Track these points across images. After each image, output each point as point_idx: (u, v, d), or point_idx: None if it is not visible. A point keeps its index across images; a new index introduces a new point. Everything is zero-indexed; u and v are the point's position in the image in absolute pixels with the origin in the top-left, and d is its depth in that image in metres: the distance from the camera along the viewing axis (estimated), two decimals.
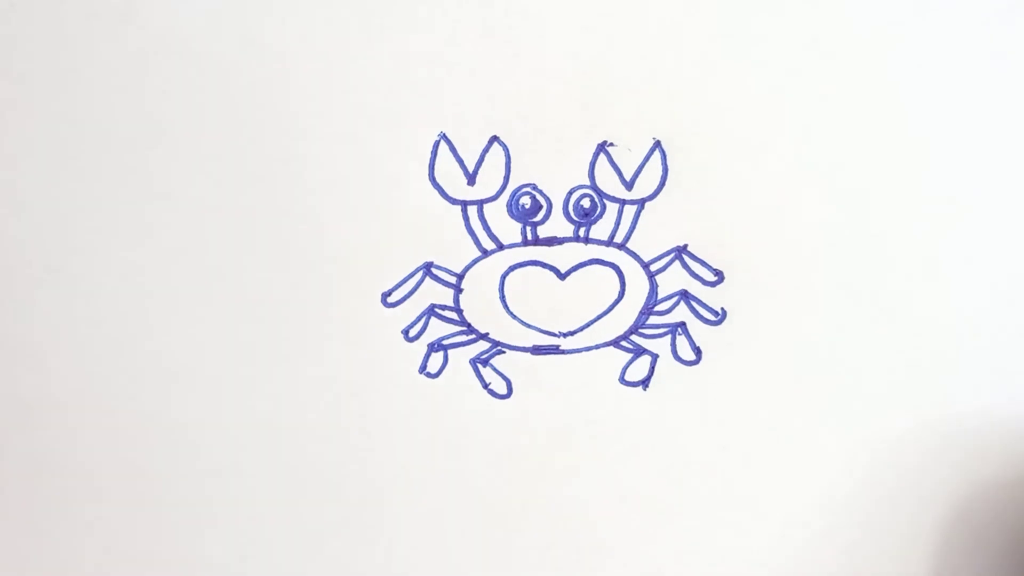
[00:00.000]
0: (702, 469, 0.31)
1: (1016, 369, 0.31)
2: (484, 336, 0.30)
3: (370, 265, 0.29)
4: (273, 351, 0.29)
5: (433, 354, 0.30)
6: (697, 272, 0.29)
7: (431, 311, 0.29)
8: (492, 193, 0.28)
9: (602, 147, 0.28)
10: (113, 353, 0.29)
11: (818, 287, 0.30)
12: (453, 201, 0.28)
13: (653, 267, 0.29)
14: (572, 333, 0.30)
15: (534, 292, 0.29)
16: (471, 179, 0.28)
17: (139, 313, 0.29)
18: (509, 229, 0.29)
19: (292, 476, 0.31)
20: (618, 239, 0.29)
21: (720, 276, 0.29)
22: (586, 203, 0.29)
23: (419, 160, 0.28)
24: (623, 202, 0.29)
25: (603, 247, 0.29)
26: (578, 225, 0.29)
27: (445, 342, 0.30)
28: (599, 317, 0.30)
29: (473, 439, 0.30)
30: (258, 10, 0.27)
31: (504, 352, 0.30)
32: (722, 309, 0.30)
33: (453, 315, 0.30)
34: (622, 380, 0.30)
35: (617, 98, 0.28)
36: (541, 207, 0.29)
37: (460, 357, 0.30)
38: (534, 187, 0.28)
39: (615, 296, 0.30)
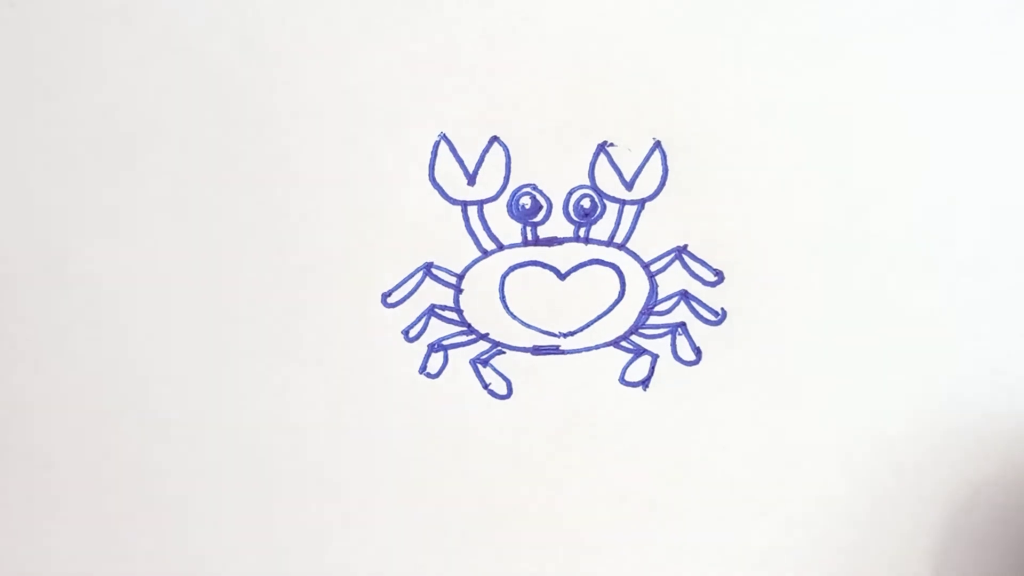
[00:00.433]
0: (702, 469, 0.31)
1: (1016, 369, 0.31)
2: (484, 336, 0.30)
3: (370, 265, 0.29)
4: (273, 351, 0.29)
5: (433, 354, 0.30)
6: (697, 272, 0.29)
7: (431, 311, 0.29)
8: (492, 193, 0.28)
9: (602, 147, 0.28)
10: (112, 353, 0.29)
11: (818, 287, 0.30)
12: (453, 201, 0.28)
13: (653, 267, 0.29)
14: (572, 333, 0.30)
15: (534, 292, 0.29)
16: (471, 179, 0.28)
17: (138, 314, 0.29)
18: (509, 229, 0.29)
19: (292, 476, 0.31)
20: (618, 239, 0.29)
21: (720, 276, 0.29)
22: (586, 203, 0.29)
23: (419, 160, 0.28)
24: (623, 202, 0.29)
25: (603, 247, 0.29)
26: (578, 225, 0.29)
27: (445, 342, 0.30)
28: (599, 317, 0.30)
29: (473, 439, 0.30)
30: (258, 10, 0.27)
31: (504, 352, 0.30)
32: (722, 309, 0.30)
33: (453, 315, 0.30)
34: (622, 380, 0.30)
35: (617, 98, 0.28)
36: (541, 207, 0.29)
37: (460, 357, 0.30)
38: (534, 187, 0.28)
39: (615, 296, 0.30)
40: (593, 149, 0.28)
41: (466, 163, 0.28)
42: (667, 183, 0.29)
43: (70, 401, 0.30)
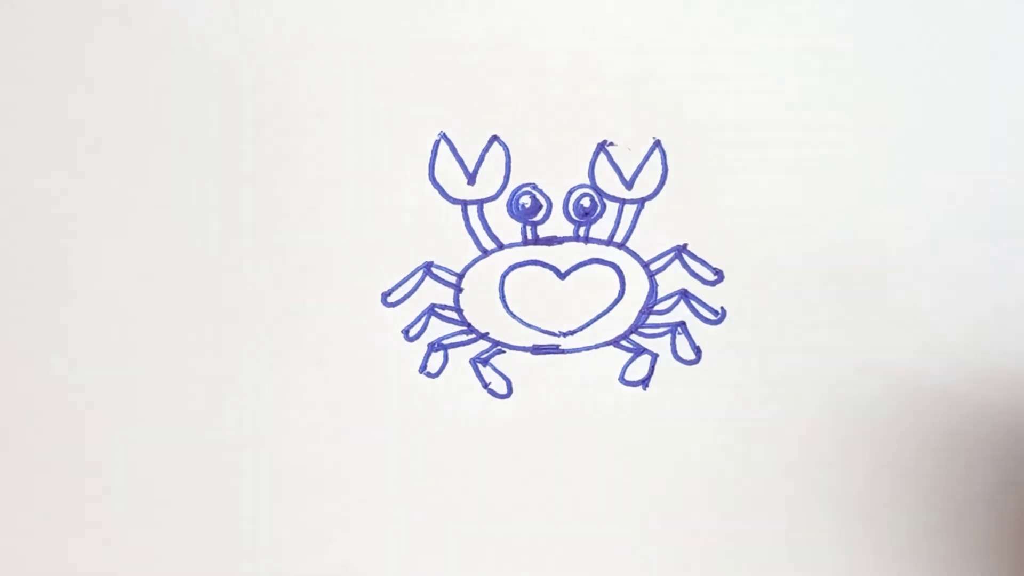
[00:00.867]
0: (702, 468, 0.31)
1: (1017, 369, 0.31)
2: (484, 336, 0.30)
3: (370, 265, 0.29)
4: (273, 351, 0.29)
5: (433, 354, 0.30)
6: (697, 271, 0.29)
7: (431, 311, 0.29)
8: (492, 193, 0.28)
9: (602, 147, 0.28)
10: (111, 353, 0.29)
11: (818, 286, 0.30)
12: (453, 201, 0.28)
13: (653, 266, 0.29)
14: (572, 333, 0.30)
15: (534, 292, 0.29)
16: (471, 179, 0.28)
17: (136, 313, 0.29)
18: (509, 229, 0.29)
19: (291, 475, 0.31)
20: (618, 238, 0.29)
21: (720, 275, 0.29)
22: (586, 202, 0.29)
23: (419, 160, 0.28)
24: (623, 201, 0.29)
25: (603, 246, 0.29)
26: (578, 224, 0.29)
27: (445, 342, 0.30)
28: (599, 317, 0.30)
29: (473, 439, 0.30)
30: (257, 9, 0.27)
31: (504, 352, 0.30)
32: (722, 308, 0.30)
33: (453, 315, 0.30)
34: (622, 380, 0.30)
35: (617, 98, 0.28)
36: (541, 207, 0.29)
37: (460, 357, 0.30)
38: (534, 187, 0.28)
39: (615, 295, 0.30)
40: (593, 148, 0.28)
41: (466, 162, 0.28)
42: (667, 182, 0.29)
43: (69, 401, 0.30)
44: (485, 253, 0.29)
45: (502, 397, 0.30)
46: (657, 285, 0.30)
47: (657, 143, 0.28)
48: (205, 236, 0.28)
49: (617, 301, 0.30)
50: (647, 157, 0.28)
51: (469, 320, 0.30)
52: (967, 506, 0.32)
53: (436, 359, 0.30)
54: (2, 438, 0.30)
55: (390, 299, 0.29)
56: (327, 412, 0.30)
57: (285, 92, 0.27)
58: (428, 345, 0.30)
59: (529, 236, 0.29)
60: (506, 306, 0.29)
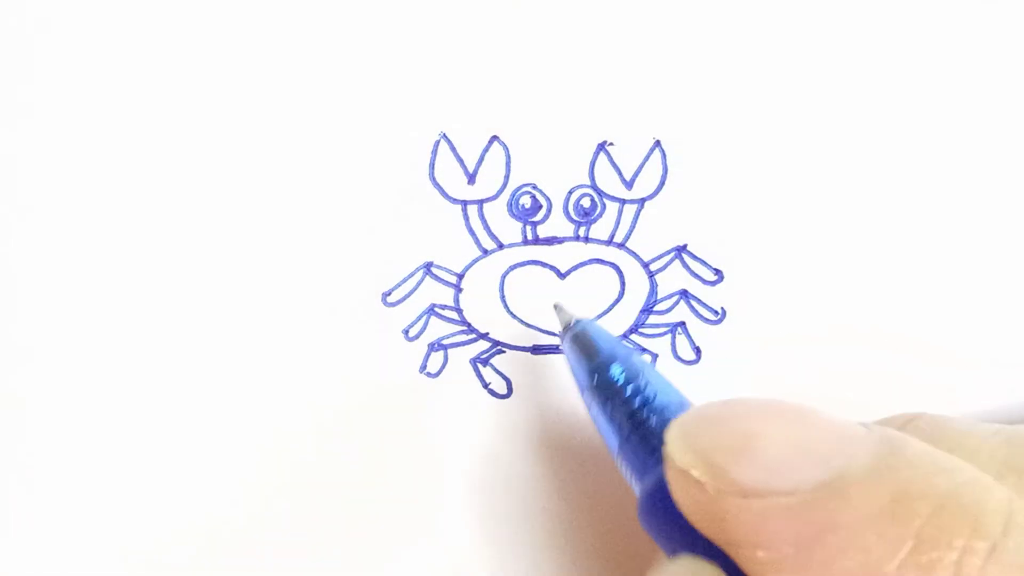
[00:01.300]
0: None
1: (1018, 370, 0.31)
2: (484, 336, 0.30)
3: (370, 265, 0.29)
4: (273, 350, 0.29)
5: (433, 354, 0.30)
6: (697, 271, 0.29)
7: (431, 311, 0.29)
8: (492, 193, 0.28)
9: (602, 147, 0.28)
10: (110, 353, 0.29)
11: (818, 286, 0.30)
12: (453, 201, 0.28)
13: (653, 266, 0.29)
14: None
15: (534, 291, 0.29)
16: (471, 179, 0.28)
17: (133, 313, 0.29)
18: (509, 228, 0.29)
19: (291, 475, 0.31)
20: (618, 238, 0.29)
21: (720, 275, 0.29)
22: (586, 202, 0.29)
23: (419, 159, 0.28)
24: (623, 201, 0.29)
25: (603, 246, 0.29)
26: (578, 224, 0.29)
27: (445, 342, 0.30)
28: (599, 316, 0.30)
29: (473, 438, 0.30)
30: (257, 8, 0.27)
31: (504, 352, 0.30)
32: (722, 308, 0.30)
33: (453, 315, 0.30)
34: None
35: (617, 98, 0.28)
36: (541, 206, 0.29)
37: (460, 357, 0.30)
38: (534, 186, 0.28)
39: (615, 296, 0.30)
40: (593, 148, 0.28)
41: (466, 162, 0.28)
42: (667, 182, 0.29)
43: (70, 400, 0.30)
44: (485, 253, 0.29)
45: (502, 397, 0.30)
46: (657, 285, 0.30)
47: (657, 143, 0.28)
48: (203, 235, 0.28)
49: (617, 301, 0.30)
50: (647, 157, 0.28)
51: (469, 320, 0.30)
52: None
53: (436, 359, 0.30)
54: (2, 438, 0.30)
55: (390, 299, 0.29)
56: (326, 411, 0.30)
57: (284, 91, 0.27)
58: (428, 345, 0.30)
59: (529, 236, 0.29)
60: (506, 306, 0.29)
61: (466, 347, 0.30)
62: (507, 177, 0.28)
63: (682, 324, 0.30)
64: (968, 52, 0.28)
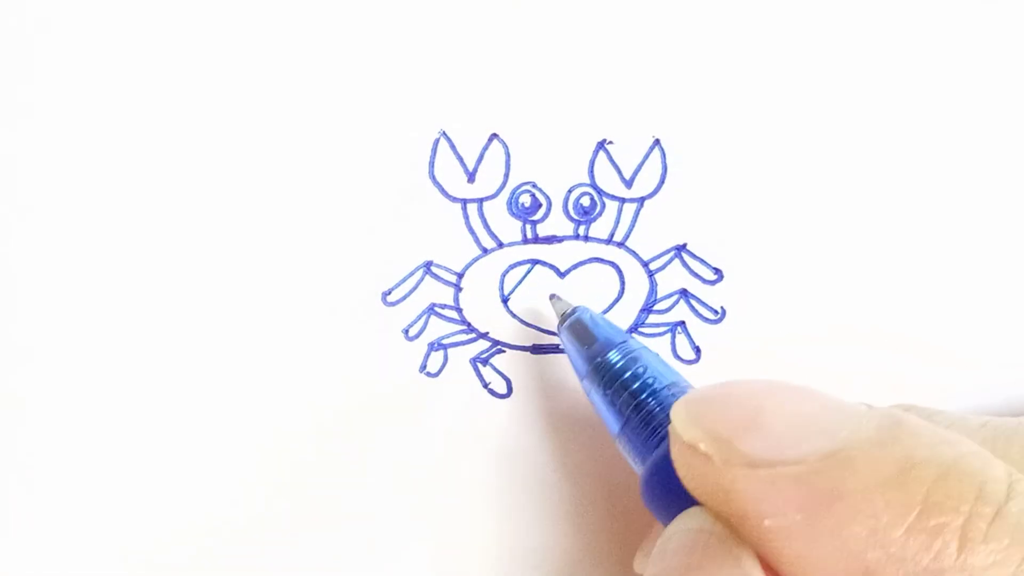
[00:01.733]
0: None
1: (1018, 370, 0.31)
2: (484, 335, 0.30)
3: (370, 264, 0.29)
4: (273, 350, 0.29)
5: (433, 353, 0.30)
6: (696, 271, 0.29)
7: (431, 310, 0.29)
8: (492, 191, 0.29)
9: (601, 145, 0.28)
10: (109, 353, 0.29)
11: (818, 286, 0.30)
12: (453, 199, 0.28)
13: (652, 265, 0.29)
14: None
15: (534, 291, 0.29)
16: (471, 177, 0.28)
17: (132, 313, 0.29)
18: (509, 227, 0.29)
19: (291, 475, 0.31)
20: (618, 237, 0.29)
21: (720, 274, 0.29)
22: (586, 201, 0.29)
23: (419, 158, 0.28)
24: (623, 200, 0.29)
25: (603, 245, 0.29)
26: (578, 223, 0.29)
27: (445, 341, 0.30)
28: None
29: (473, 438, 0.30)
30: (256, 8, 0.27)
31: (504, 351, 0.30)
32: (721, 308, 0.30)
33: (453, 314, 0.30)
34: None
35: (616, 96, 0.28)
36: (541, 205, 0.29)
37: (460, 356, 0.30)
38: (534, 185, 0.28)
39: (615, 295, 0.30)
40: (592, 147, 0.28)
41: (466, 161, 0.28)
42: (666, 181, 0.29)
43: (70, 400, 0.30)
44: (485, 252, 0.29)
45: (502, 397, 0.30)
46: (657, 284, 0.30)
47: (656, 142, 0.28)
48: (202, 235, 0.28)
49: (617, 300, 0.30)
50: (646, 156, 0.28)
51: (469, 319, 0.30)
52: None
53: (436, 358, 0.30)
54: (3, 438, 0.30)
55: (390, 298, 0.29)
56: (326, 410, 0.30)
57: (284, 90, 0.27)
58: (428, 344, 0.30)
59: (529, 235, 0.29)
60: (506, 305, 0.29)
61: (466, 347, 0.30)
62: (507, 176, 0.28)
63: (682, 323, 0.30)
64: (968, 52, 0.28)
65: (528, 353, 0.30)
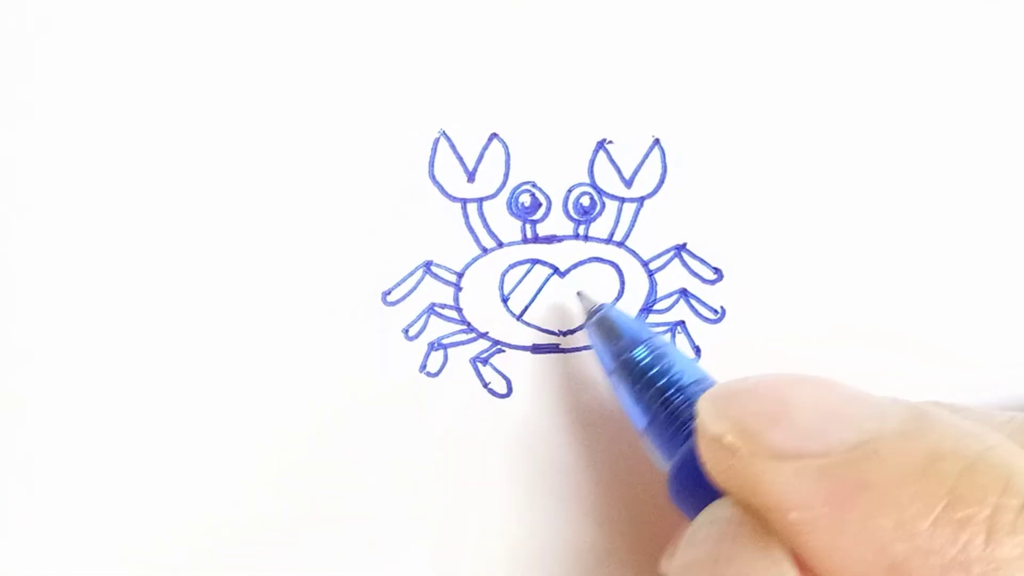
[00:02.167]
0: None
1: (1018, 370, 0.31)
2: (484, 335, 0.30)
3: (370, 264, 0.29)
4: (273, 350, 0.29)
5: (433, 353, 0.30)
6: (696, 270, 0.29)
7: (431, 310, 0.29)
8: (492, 191, 0.29)
9: (601, 145, 0.28)
10: (109, 353, 0.29)
11: (818, 285, 0.30)
12: (453, 199, 0.28)
13: (652, 265, 0.29)
14: (572, 332, 0.30)
15: (534, 290, 0.29)
16: (471, 177, 0.28)
17: (131, 313, 0.29)
18: (509, 227, 0.29)
19: (291, 475, 0.31)
20: (617, 237, 0.29)
21: (719, 274, 0.29)
22: (585, 201, 0.29)
23: (419, 158, 0.28)
24: (622, 200, 0.29)
25: (602, 245, 0.29)
26: (577, 223, 0.29)
27: (445, 341, 0.30)
28: None
29: (473, 438, 0.30)
30: (256, 7, 0.27)
31: (504, 351, 0.30)
32: (721, 307, 0.30)
33: (453, 314, 0.30)
34: None
35: (616, 96, 0.28)
36: (541, 205, 0.29)
37: (460, 356, 0.30)
38: (534, 185, 0.29)
39: (615, 294, 0.30)
40: (592, 146, 0.28)
41: (465, 161, 0.28)
42: (666, 181, 0.29)
43: (70, 400, 0.30)
44: (485, 251, 0.29)
45: (502, 396, 0.30)
46: (656, 284, 0.30)
47: (656, 141, 0.28)
48: (202, 235, 0.28)
49: (616, 300, 0.30)
50: (646, 155, 0.28)
51: (469, 319, 0.30)
52: None
53: (436, 358, 0.30)
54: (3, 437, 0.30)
55: (390, 298, 0.29)
56: (326, 410, 0.30)
57: (284, 89, 0.27)
58: (428, 344, 0.30)
59: (529, 234, 0.29)
60: (506, 305, 0.30)
61: (466, 346, 0.30)
62: (507, 175, 0.28)
63: (681, 323, 0.30)
64: (968, 52, 0.28)
65: (528, 353, 0.30)
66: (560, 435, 0.31)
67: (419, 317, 0.29)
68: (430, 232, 0.29)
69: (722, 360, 0.30)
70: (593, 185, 0.29)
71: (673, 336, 0.30)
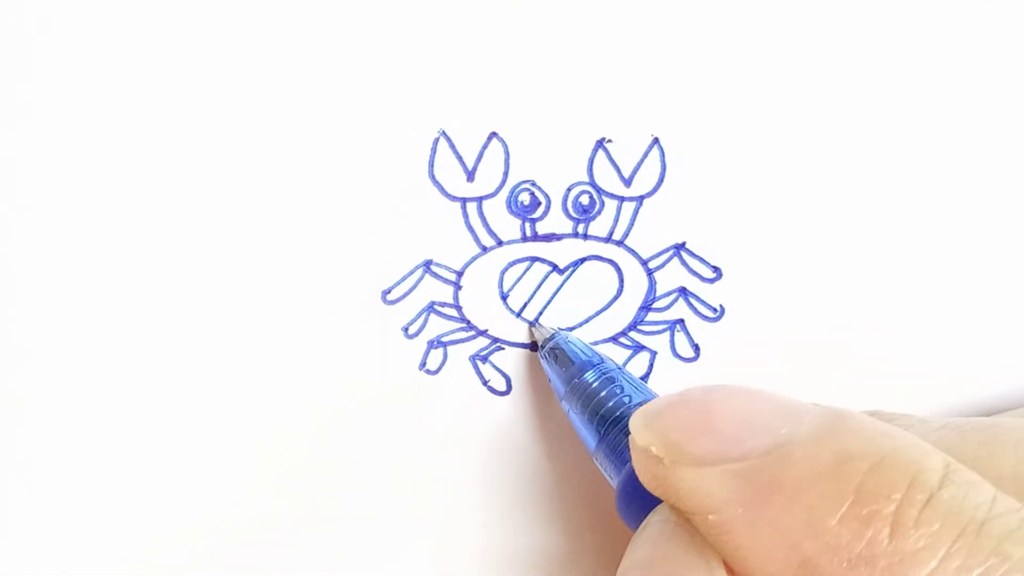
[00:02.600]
0: None
1: (1018, 370, 0.31)
2: (483, 333, 0.30)
3: (370, 263, 0.29)
4: (273, 350, 0.29)
5: (432, 351, 0.30)
6: (695, 269, 0.29)
7: (431, 308, 0.29)
8: (491, 190, 0.29)
9: (600, 144, 0.28)
10: (109, 353, 0.29)
11: (817, 284, 0.30)
12: (452, 198, 0.29)
13: (652, 264, 0.29)
14: (571, 330, 0.30)
15: (533, 289, 0.29)
16: (470, 176, 0.28)
17: (131, 313, 0.29)
18: (508, 225, 0.29)
19: (291, 475, 0.31)
20: (617, 236, 0.29)
21: (718, 273, 0.30)
22: (585, 199, 0.29)
23: (418, 157, 0.28)
24: (622, 199, 0.29)
25: (602, 243, 0.29)
26: (577, 222, 0.29)
27: (444, 339, 0.30)
28: (598, 314, 0.30)
29: (472, 435, 0.30)
30: (255, 7, 0.27)
31: (503, 349, 0.30)
32: (720, 306, 0.30)
33: (452, 312, 0.30)
34: None
35: (615, 95, 0.28)
36: (540, 203, 0.29)
37: (459, 354, 0.30)
38: (533, 183, 0.29)
39: (614, 293, 0.30)
40: (592, 145, 0.28)
41: (465, 160, 0.28)
42: (665, 180, 0.29)
43: (70, 400, 0.30)
44: (484, 250, 0.29)
45: (501, 394, 0.30)
46: (656, 282, 0.30)
47: (656, 140, 0.28)
48: (202, 234, 0.29)
49: (616, 298, 0.30)
50: (645, 154, 0.28)
51: (468, 317, 0.30)
52: None
53: (435, 356, 0.30)
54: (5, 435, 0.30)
55: (390, 297, 0.29)
56: (326, 409, 0.30)
57: (284, 89, 0.28)
58: (427, 342, 0.30)
59: (528, 233, 0.29)
60: (505, 303, 0.30)
61: (465, 344, 0.30)
62: (506, 174, 0.28)
63: (681, 321, 0.30)
64: (968, 52, 0.28)
65: (527, 350, 0.30)
66: (560, 432, 0.31)
67: (419, 315, 0.30)
68: (430, 231, 0.29)
69: (721, 358, 0.30)
70: (592, 184, 0.29)
71: (672, 334, 0.30)
